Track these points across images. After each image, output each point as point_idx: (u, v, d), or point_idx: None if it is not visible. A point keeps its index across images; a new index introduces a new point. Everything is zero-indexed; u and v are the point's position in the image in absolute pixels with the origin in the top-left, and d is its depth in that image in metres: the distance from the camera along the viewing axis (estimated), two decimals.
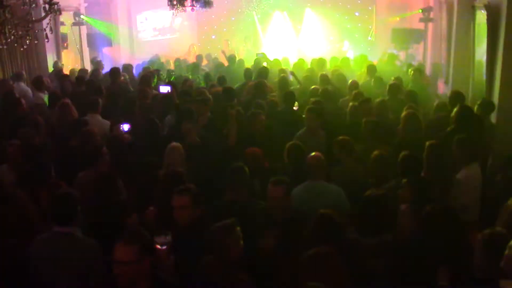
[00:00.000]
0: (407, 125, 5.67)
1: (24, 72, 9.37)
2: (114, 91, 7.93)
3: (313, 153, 4.66)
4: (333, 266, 2.98)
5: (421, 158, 4.71)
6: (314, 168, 4.53)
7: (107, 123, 6.37)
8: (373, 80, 8.47)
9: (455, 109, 5.82)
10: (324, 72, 8.95)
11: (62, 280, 3.47)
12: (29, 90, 8.69)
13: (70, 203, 3.64)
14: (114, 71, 8.86)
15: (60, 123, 6.37)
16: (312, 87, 7.74)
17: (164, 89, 7.44)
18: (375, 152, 4.78)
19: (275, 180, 4.05)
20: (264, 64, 10.49)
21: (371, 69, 9.10)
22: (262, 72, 8.74)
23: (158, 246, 3.48)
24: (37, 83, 8.38)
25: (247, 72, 9.07)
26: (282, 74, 8.75)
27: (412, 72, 8.70)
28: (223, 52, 12.91)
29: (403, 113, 5.81)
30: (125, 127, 5.93)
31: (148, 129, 5.97)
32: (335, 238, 3.40)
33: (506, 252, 2.96)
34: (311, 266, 2.99)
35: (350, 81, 8.27)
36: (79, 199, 3.69)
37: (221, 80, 8.73)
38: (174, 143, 5.20)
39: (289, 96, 7.08)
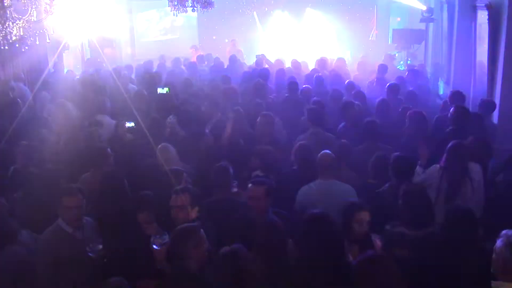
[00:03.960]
0: (412, 125, 5.66)
1: (23, 73, 9.39)
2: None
3: (324, 151, 4.65)
4: (388, 271, 2.85)
5: (413, 160, 4.69)
6: (326, 166, 4.52)
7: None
8: (375, 80, 8.45)
9: (450, 110, 5.83)
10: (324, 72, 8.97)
11: None
12: (27, 90, 8.71)
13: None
14: (117, 71, 8.87)
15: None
16: None
17: (162, 90, 7.51)
18: (377, 153, 4.78)
19: (257, 180, 3.99)
20: (266, 65, 10.50)
21: (382, 69, 9.07)
22: (262, 74, 8.72)
23: (155, 247, 3.48)
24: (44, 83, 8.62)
25: (244, 74, 9.10)
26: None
27: (407, 73, 8.68)
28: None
29: (409, 112, 5.80)
30: (129, 125, 5.95)
31: (152, 129, 5.98)
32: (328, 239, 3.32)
33: (494, 255, 2.96)
34: (366, 272, 2.86)
35: (346, 81, 8.25)
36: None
37: (225, 79, 8.72)
38: (163, 143, 5.22)
39: (293, 85, 7.30)
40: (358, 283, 2.87)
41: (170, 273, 3.35)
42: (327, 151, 4.65)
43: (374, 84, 8.41)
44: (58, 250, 3.69)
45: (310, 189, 4.50)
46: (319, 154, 4.63)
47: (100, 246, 3.67)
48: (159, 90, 7.58)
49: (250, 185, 4.00)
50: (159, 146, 5.18)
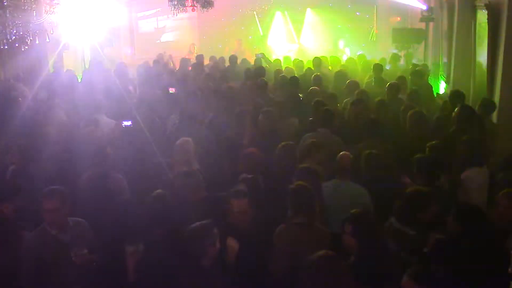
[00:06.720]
0: (413, 125, 5.66)
1: (22, 73, 9.39)
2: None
3: (342, 152, 4.67)
4: (338, 270, 2.85)
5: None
6: (343, 168, 4.55)
7: (113, 122, 6.42)
8: (374, 80, 8.43)
9: (455, 110, 5.81)
10: (320, 72, 8.96)
11: None
12: (27, 90, 8.70)
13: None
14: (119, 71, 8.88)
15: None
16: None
17: (171, 89, 7.77)
18: (369, 151, 4.76)
19: (237, 193, 3.87)
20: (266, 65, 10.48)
21: (378, 68, 9.03)
22: (259, 72, 8.66)
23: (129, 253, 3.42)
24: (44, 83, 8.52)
25: (248, 72, 9.05)
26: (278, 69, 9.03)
27: (410, 74, 8.64)
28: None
29: (409, 113, 5.78)
30: (126, 123, 5.97)
31: (151, 128, 5.97)
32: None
33: None
34: (315, 271, 2.81)
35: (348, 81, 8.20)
36: None
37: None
38: (183, 138, 5.09)
39: (294, 81, 7.45)
40: (307, 283, 2.82)
41: (184, 270, 3.35)
42: (345, 152, 4.67)
43: (373, 83, 8.39)
44: (40, 250, 3.66)
45: (327, 188, 4.49)
46: (338, 155, 4.64)
47: (85, 251, 3.56)
48: (170, 90, 7.78)
49: (232, 199, 3.85)
50: (179, 142, 5.06)
